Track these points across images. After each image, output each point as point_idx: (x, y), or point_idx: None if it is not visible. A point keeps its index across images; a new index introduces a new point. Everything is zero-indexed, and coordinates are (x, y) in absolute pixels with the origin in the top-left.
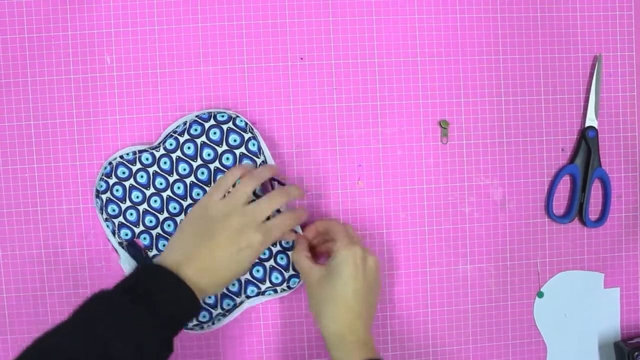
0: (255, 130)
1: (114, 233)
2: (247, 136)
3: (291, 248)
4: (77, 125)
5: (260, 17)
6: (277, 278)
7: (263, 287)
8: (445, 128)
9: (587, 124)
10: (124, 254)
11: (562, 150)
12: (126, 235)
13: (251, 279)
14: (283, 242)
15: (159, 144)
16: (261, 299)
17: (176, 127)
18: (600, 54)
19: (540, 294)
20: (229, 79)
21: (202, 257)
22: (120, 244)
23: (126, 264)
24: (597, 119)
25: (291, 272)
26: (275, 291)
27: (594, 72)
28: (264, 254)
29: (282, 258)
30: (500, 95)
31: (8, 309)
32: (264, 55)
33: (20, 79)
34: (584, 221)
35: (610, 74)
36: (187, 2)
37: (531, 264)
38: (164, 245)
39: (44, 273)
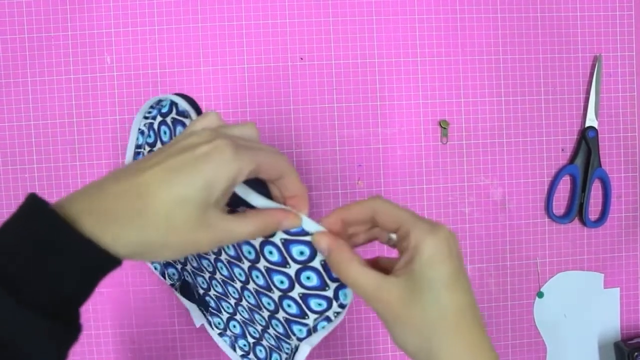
0: (189, 109)
1: (163, 275)
2: (188, 122)
3: (310, 260)
4: (77, 125)
5: (261, 17)
6: (319, 305)
7: (310, 322)
8: (445, 128)
9: (587, 124)
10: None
11: (562, 150)
12: (173, 274)
13: (290, 317)
14: (294, 251)
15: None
16: (318, 336)
17: (137, 139)
18: (600, 54)
19: (540, 294)
20: (229, 79)
21: (117, 183)
22: (172, 285)
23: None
24: (597, 119)
25: (331, 287)
26: (329, 319)
27: (594, 73)
28: (282, 282)
29: (308, 278)
30: (500, 95)
31: None
32: (264, 55)
33: (20, 79)
34: (584, 221)
35: (610, 74)
36: (187, 3)
37: (531, 264)
38: (203, 281)
39: None
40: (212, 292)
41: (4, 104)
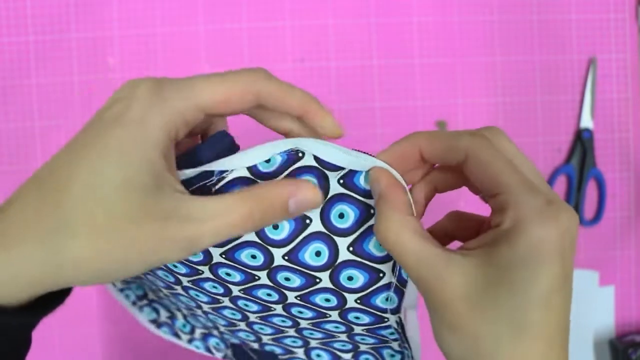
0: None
1: (209, 350)
2: None
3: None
4: (81, 127)
5: (262, 18)
6: (387, 300)
7: (392, 321)
8: (442, 128)
9: (583, 125)
10: None
11: (558, 150)
12: (218, 344)
13: (370, 327)
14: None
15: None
16: (413, 318)
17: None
18: (595, 56)
19: None
20: None
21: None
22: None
23: None
24: (592, 121)
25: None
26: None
27: (589, 75)
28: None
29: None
30: (496, 96)
31: None
32: (265, 56)
33: (25, 82)
34: (579, 220)
35: (605, 76)
36: (189, 5)
37: None
38: (247, 334)
39: None
40: (266, 339)
41: (8, 107)
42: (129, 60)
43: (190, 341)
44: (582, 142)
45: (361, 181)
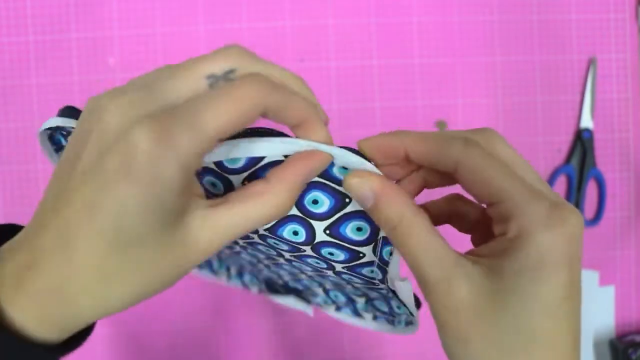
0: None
1: (246, 286)
2: None
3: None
4: None
5: (262, 18)
6: (359, 231)
7: (368, 254)
8: (442, 128)
9: (583, 126)
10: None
11: (558, 151)
12: (252, 280)
13: (349, 265)
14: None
15: None
16: (395, 265)
17: None
18: (595, 56)
19: None
20: None
21: (37, 254)
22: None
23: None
24: (592, 121)
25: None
26: (387, 241)
27: (588, 75)
28: (295, 233)
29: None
30: (497, 96)
31: None
32: (265, 56)
33: (25, 82)
34: None
35: (605, 76)
36: (189, 4)
37: None
38: (269, 272)
39: None
40: (285, 277)
41: (9, 107)
42: (129, 60)
43: (228, 278)
44: (582, 142)
45: (335, 171)
